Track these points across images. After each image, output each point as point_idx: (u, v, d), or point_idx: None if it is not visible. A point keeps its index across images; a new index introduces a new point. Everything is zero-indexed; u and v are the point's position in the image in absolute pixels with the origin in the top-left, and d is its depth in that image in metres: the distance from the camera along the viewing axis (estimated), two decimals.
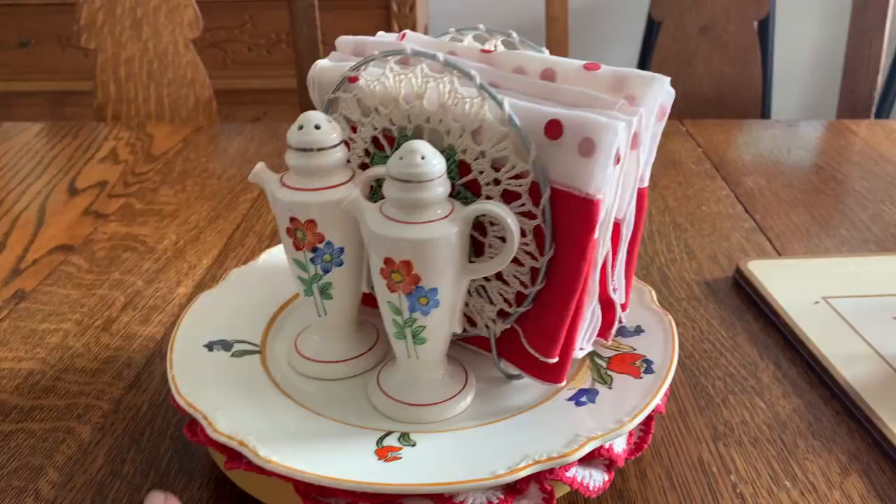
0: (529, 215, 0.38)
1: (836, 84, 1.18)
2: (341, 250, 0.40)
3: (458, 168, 0.39)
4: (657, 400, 0.40)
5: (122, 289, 0.61)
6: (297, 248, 0.41)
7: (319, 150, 0.39)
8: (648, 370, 0.43)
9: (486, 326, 0.42)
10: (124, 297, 0.60)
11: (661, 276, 0.62)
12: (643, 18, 1.98)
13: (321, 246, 0.40)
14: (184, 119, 1.15)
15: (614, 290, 0.42)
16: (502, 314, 0.42)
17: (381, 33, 0.46)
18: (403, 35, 0.45)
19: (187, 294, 0.60)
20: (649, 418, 0.42)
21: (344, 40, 0.45)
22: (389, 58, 0.40)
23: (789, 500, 0.40)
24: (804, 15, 2.23)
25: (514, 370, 0.42)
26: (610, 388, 0.41)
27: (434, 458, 0.37)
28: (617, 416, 0.39)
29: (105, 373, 0.51)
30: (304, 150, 0.38)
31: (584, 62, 0.39)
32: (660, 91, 0.38)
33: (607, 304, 0.43)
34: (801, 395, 0.48)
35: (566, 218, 0.37)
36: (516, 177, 0.38)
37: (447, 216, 0.36)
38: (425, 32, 2.15)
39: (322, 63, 0.44)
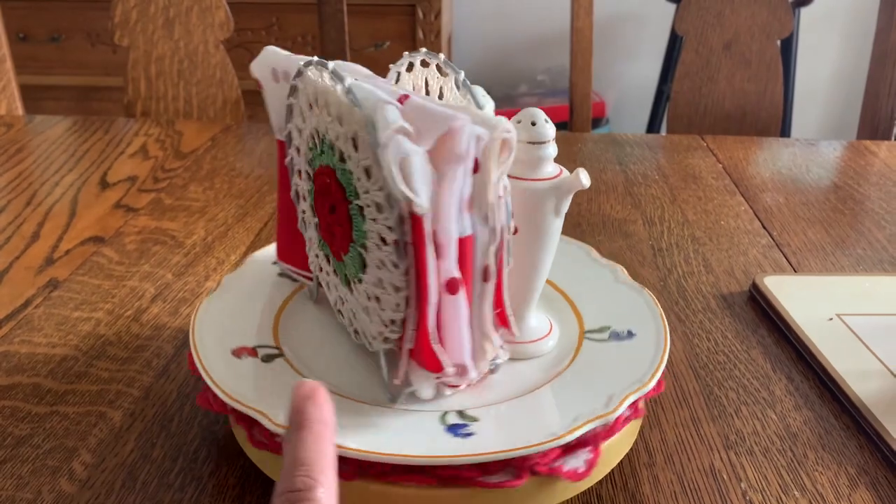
0: None
1: (857, 104, 1.18)
2: None
3: None
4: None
5: (151, 281, 0.63)
6: None
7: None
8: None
9: None
10: (154, 289, 0.61)
11: (679, 287, 0.63)
12: (667, 32, 2.00)
13: None
14: (211, 118, 1.17)
15: None
16: None
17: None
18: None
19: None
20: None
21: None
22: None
23: None
24: (827, 34, 2.24)
25: None
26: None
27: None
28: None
29: (135, 361, 0.52)
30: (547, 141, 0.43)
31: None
32: None
33: None
34: (812, 409, 0.49)
35: None
36: None
37: None
38: (449, 40, 2.16)
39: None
